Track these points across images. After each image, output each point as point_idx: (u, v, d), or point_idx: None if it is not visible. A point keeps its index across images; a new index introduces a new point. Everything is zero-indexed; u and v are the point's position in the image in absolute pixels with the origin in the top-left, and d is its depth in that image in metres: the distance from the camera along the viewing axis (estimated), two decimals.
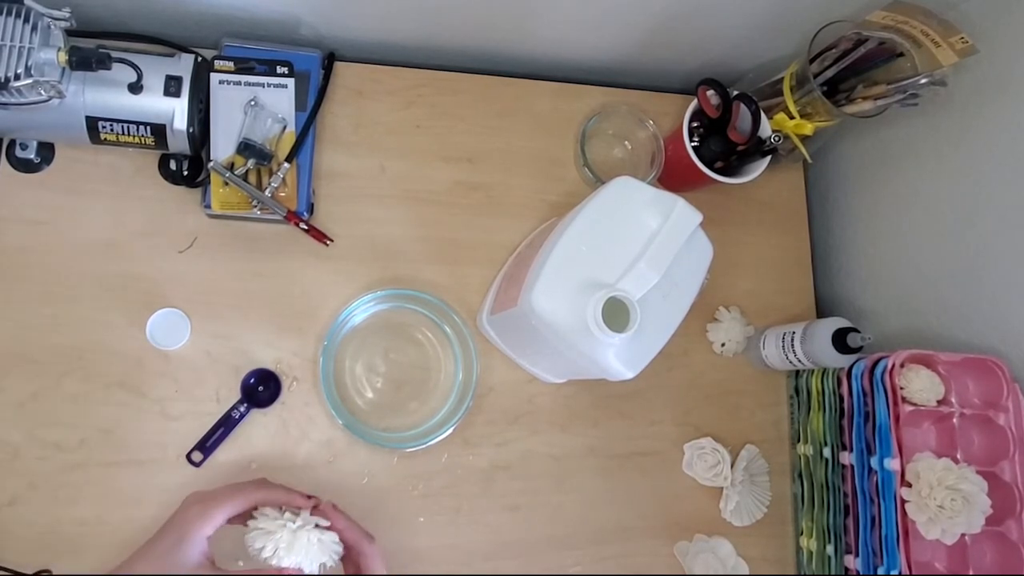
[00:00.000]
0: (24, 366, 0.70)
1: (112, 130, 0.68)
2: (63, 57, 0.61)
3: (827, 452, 0.82)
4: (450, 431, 0.76)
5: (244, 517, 0.63)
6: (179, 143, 0.70)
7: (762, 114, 0.82)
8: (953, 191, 0.82)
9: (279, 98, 0.74)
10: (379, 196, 0.82)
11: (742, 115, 0.83)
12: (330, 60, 0.82)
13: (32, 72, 0.60)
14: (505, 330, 0.78)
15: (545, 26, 0.84)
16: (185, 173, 0.76)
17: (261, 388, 0.75)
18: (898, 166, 0.90)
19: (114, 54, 0.63)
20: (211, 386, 0.74)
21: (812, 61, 0.79)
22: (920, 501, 0.68)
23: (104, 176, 0.75)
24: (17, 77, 0.60)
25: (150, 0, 0.76)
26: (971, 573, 0.71)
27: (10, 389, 0.70)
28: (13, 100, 0.61)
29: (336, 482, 0.75)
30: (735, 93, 0.82)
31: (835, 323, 0.79)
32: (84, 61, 0.61)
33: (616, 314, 0.62)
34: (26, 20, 0.60)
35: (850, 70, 0.81)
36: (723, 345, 0.89)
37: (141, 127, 0.68)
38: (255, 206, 0.72)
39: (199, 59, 0.70)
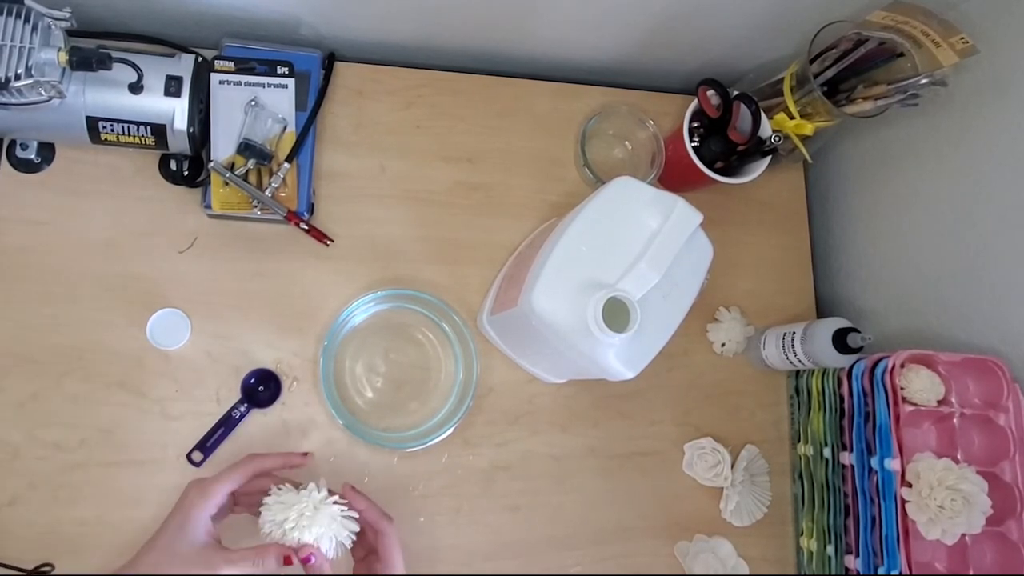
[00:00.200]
0: (24, 366, 0.70)
1: (112, 130, 0.68)
2: (63, 57, 0.61)
3: (827, 452, 0.82)
4: (450, 431, 0.76)
5: (252, 505, 0.64)
6: (179, 143, 0.70)
7: (762, 114, 0.82)
8: (953, 191, 0.82)
9: (279, 98, 0.74)
10: (379, 196, 0.82)
11: (742, 115, 0.83)
12: (330, 60, 0.82)
13: (32, 72, 0.60)
14: (505, 330, 0.78)
15: (545, 26, 0.84)
16: (185, 173, 0.76)
17: (261, 388, 0.75)
18: (898, 166, 0.90)
19: (114, 54, 0.63)
20: (211, 386, 0.74)
21: (812, 61, 0.79)
22: (920, 501, 0.68)
23: (104, 176, 0.75)
24: (18, 77, 0.60)
25: (150, 0, 0.76)
26: (971, 573, 0.71)
27: (10, 389, 0.70)
28: (13, 100, 0.61)
29: (336, 482, 0.75)
30: (735, 93, 0.82)
31: (835, 323, 0.79)
32: (84, 61, 0.61)
33: (616, 314, 0.62)
34: (26, 20, 0.60)
35: (850, 70, 0.81)
36: (723, 345, 0.89)
37: (141, 127, 0.68)
38: (255, 206, 0.72)
39: (199, 59, 0.70)
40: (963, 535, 0.69)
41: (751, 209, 0.94)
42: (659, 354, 0.67)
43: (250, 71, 0.73)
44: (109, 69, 0.63)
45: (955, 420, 0.73)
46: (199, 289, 0.75)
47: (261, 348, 0.76)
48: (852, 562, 0.76)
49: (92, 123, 0.67)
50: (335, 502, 0.62)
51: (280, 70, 0.74)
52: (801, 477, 0.86)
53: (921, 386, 0.72)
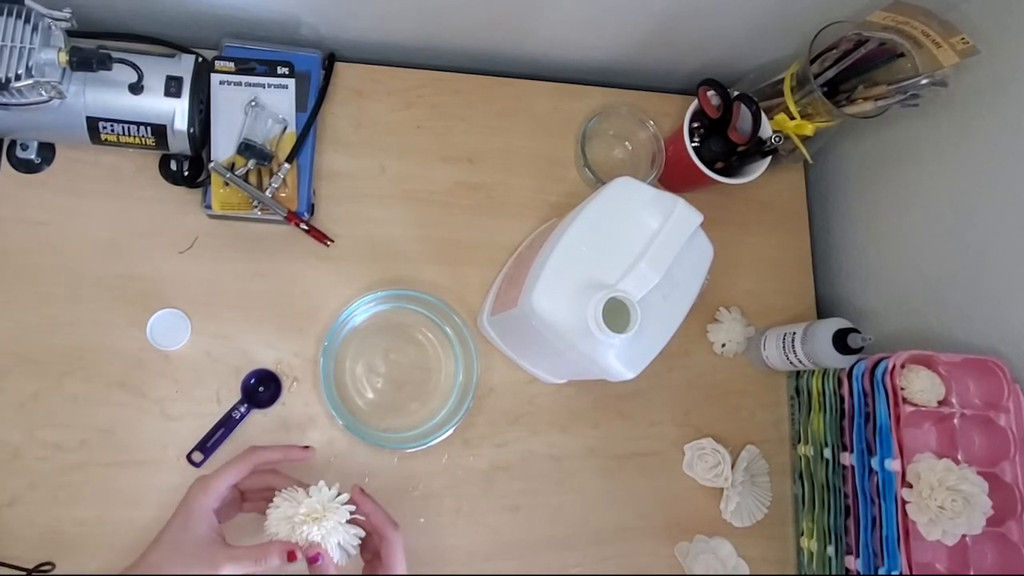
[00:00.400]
0: (24, 366, 0.70)
1: (113, 131, 0.68)
2: (64, 58, 0.61)
3: (828, 453, 0.82)
4: (450, 432, 0.76)
5: (261, 504, 0.64)
6: (180, 143, 0.70)
7: (762, 114, 0.82)
8: (953, 191, 0.81)
9: (279, 98, 0.74)
10: (379, 196, 0.82)
11: (742, 115, 0.83)
12: (330, 60, 0.82)
13: (33, 73, 0.60)
14: (505, 331, 0.78)
15: (545, 26, 0.84)
16: (186, 173, 0.76)
17: (261, 389, 0.75)
18: (898, 167, 0.90)
19: (115, 54, 0.63)
20: (211, 387, 0.74)
21: (813, 62, 0.79)
22: (921, 502, 0.68)
23: (105, 176, 0.75)
24: (18, 78, 0.60)
25: (151, 1, 0.76)
26: (972, 574, 0.71)
27: (10, 389, 0.70)
28: (14, 101, 0.61)
29: (336, 483, 0.75)
30: (735, 93, 0.82)
31: (836, 324, 0.79)
32: (85, 62, 0.61)
33: (616, 315, 0.62)
34: (27, 21, 0.60)
35: (851, 71, 0.81)
36: (723, 346, 0.89)
37: (142, 127, 0.68)
38: (256, 206, 0.72)
39: (200, 59, 0.70)
40: (963, 536, 0.69)
41: (751, 209, 0.94)
42: (659, 354, 0.67)
43: (250, 71, 0.73)
44: (109, 69, 0.63)
45: (955, 421, 0.73)
46: (199, 289, 0.75)
47: (261, 348, 0.76)
48: (852, 563, 0.76)
49: (92, 123, 0.67)
50: (343, 504, 0.62)
51: (280, 70, 0.74)
52: (801, 478, 0.86)
53: (921, 386, 0.72)
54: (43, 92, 0.62)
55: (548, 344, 0.67)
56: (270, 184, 0.72)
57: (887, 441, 0.72)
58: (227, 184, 0.71)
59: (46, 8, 0.61)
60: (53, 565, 0.67)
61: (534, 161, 0.88)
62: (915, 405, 0.72)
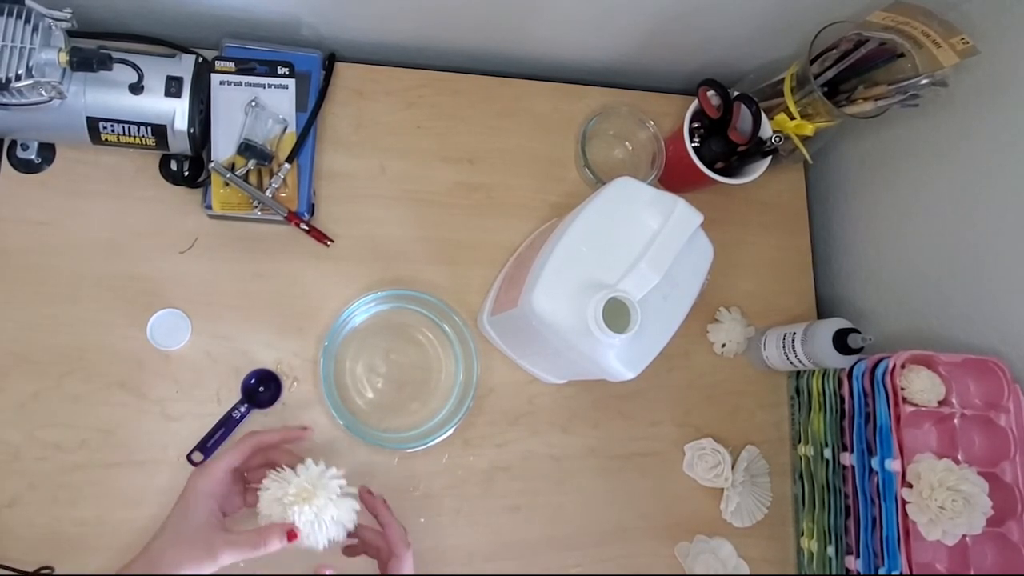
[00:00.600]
0: (25, 366, 0.70)
1: (113, 131, 0.68)
2: (64, 58, 0.61)
3: (828, 453, 0.82)
4: (451, 432, 0.76)
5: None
6: (180, 144, 0.70)
7: (763, 115, 0.82)
8: (953, 191, 0.82)
9: (280, 99, 0.74)
10: (380, 197, 0.82)
11: (743, 116, 0.83)
12: (331, 61, 0.82)
13: (33, 73, 0.60)
14: (506, 331, 0.78)
15: (545, 26, 0.84)
16: (186, 174, 0.76)
17: (262, 389, 0.75)
18: (899, 167, 0.90)
19: (115, 55, 0.63)
20: (211, 387, 0.74)
21: (813, 62, 0.79)
22: (921, 502, 0.68)
23: (105, 177, 0.75)
24: (18, 78, 0.60)
25: (151, 1, 0.76)
26: (972, 574, 0.71)
27: (11, 389, 0.70)
28: (14, 101, 0.61)
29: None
30: (736, 94, 0.82)
31: (836, 324, 0.79)
32: (85, 62, 0.61)
33: (617, 315, 0.62)
34: (27, 21, 0.60)
35: (851, 71, 0.81)
36: (724, 346, 0.89)
37: (142, 128, 0.68)
38: (256, 207, 0.72)
39: (200, 60, 0.70)
40: (964, 536, 0.69)
41: (751, 210, 0.94)
42: (659, 354, 0.67)
43: (250, 72, 0.73)
44: (110, 70, 0.63)
45: (956, 421, 0.73)
46: (199, 289, 0.75)
47: (261, 348, 0.76)
48: (853, 563, 0.76)
49: (93, 123, 0.67)
50: (333, 477, 0.61)
51: (280, 71, 0.74)
52: (802, 478, 0.86)
53: (922, 387, 0.72)
54: (43, 92, 0.62)
55: (548, 344, 0.67)
56: (270, 184, 0.72)
57: (887, 441, 0.72)
58: (227, 184, 0.71)
59: (46, 8, 0.61)
60: (52, 569, 0.67)
61: (534, 161, 0.88)
62: (915, 405, 0.72)
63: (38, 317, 0.71)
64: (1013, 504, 0.70)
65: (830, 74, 0.81)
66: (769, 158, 0.83)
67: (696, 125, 0.84)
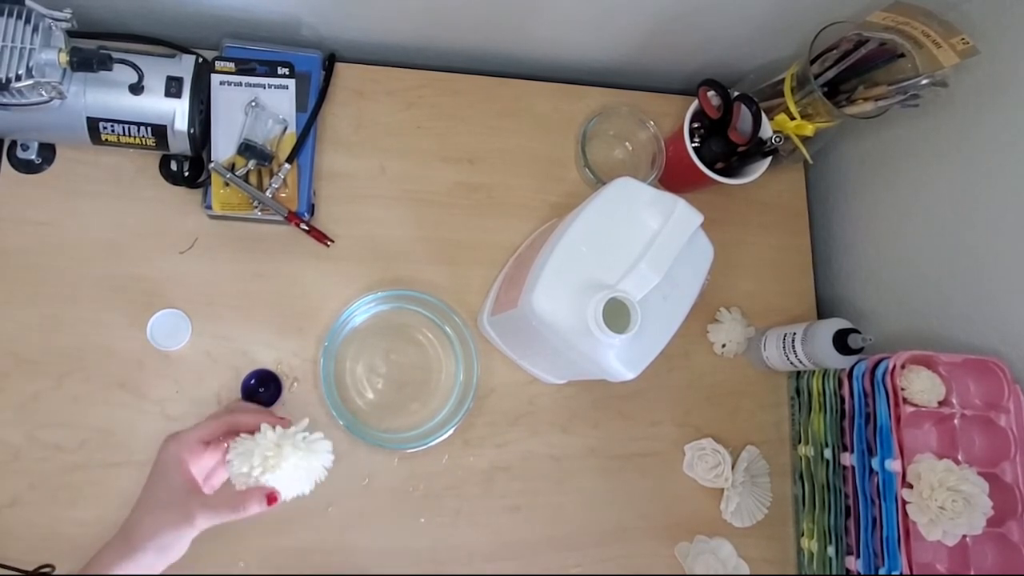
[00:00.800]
0: (25, 367, 0.70)
1: (113, 131, 0.68)
2: (64, 58, 0.61)
3: (828, 453, 0.82)
4: (451, 432, 0.76)
5: None
6: (180, 144, 0.70)
7: (763, 115, 0.82)
8: (953, 191, 0.81)
9: (280, 99, 0.74)
10: (380, 197, 0.82)
11: (743, 116, 0.83)
12: (331, 61, 0.82)
13: (33, 73, 0.60)
14: (506, 331, 0.78)
15: (545, 27, 0.84)
16: (186, 174, 0.76)
17: (262, 389, 0.75)
18: (899, 167, 0.90)
19: (115, 55, 0.63)
20: (211, 387, 0.74)
21: (813, 62, 0.79)
22: (921, 502, 0.68)
23: (105, 177, 0.75)
24: (18, 78, 0.60)
25: (151, 1, 0.76)
26: (972, 574, 0.71)
27: (11, 390, 0.70)
28: (14, 101, 0.61)
29: (337, 483, 0.75)
30: (736, 94, 0.82)
31: (836, 324, 0.79)
32: (85, 62, 0.62)
33: (617, 315, 0.62)
34: (27, 21, 0.60)
35: (851, 71, 0.81)
36: (724, 346, 0.89)
37: (142, 128, 0.68)
38: (256, 207, 0.72)
39: (200, 60, 0.70)
40: (964, 536, 0.69)
41: (752, 210, 0.94)
42: (659, 355, 0.67)
43: (251, 72, 0.73)
44: (110, 70, 0.63)
45: (956, 421, 0.73)
46: (199, 290, 0.75)
47: (261, 349, 0.76)
48: (853, 563, 0.76)
49: (93, 124, 0.67)
50: (295, 432, 0.59)
51: (281, 71, 0.74)
52: (802, 478, 0.86)
53: (922, 387, 0.72)
54: (43, 92, 0.62)
55: (548, 344, 0.67)
56: (270, 184, 0.72)
57: (887, 441, 0.72)
58: (227, 184, 0.71)
59: (46, 8, 0.61)
60: (53, 567, 0.67)
61: (534, 161, 0.88)
62: (915, 405, 0.72)
63: (38, 317, 0.71)
64: (1013, 504, 0.70)
65: (830, 74, 0.81)
66: (769, 158, 0.83)
67: (696, 125, 0.84)
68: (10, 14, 0.60)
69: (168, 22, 0.79)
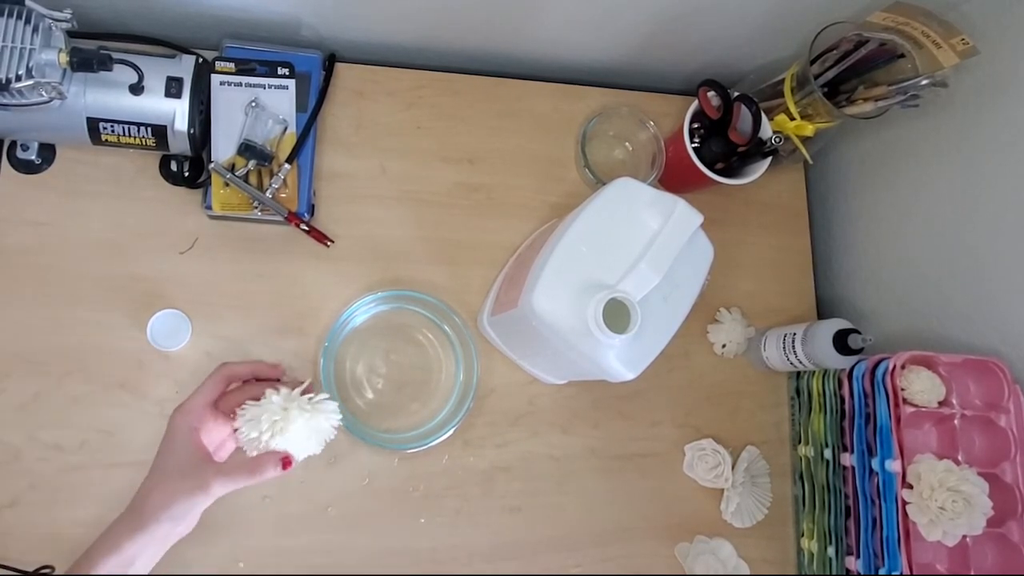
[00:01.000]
0: (25, 367, 0.70)
1: (113, 131, 0.68)
2: (64, 58, 0.61)
3: (828, 453, 0.82)
4: (451, 432, 0.76)
5: None
6: (180, 144, 0.70)
7: (763, 115, 0.82)
8: (953, 192, 0.81)
9: (280, 99, 0.74)
10: (380, 197, 0.82)
11: (743, 116, 0.83)
12: (331, 61, 0.82)
13: (33, 73, 0.60)
14: (506, 331, 0.78)
15: (546, 27, 0.84)
16: (186, 174, 0.76)
17: None
18: (899, 167, 0.90)
19: (115, 55, 0.63)
20: None
21: (813, 62, 0.79)
22: (921, 503, 0.68)
23: (105, 177, 0.75)
24: (18, 78, 0.60)
25: (151, 1, 0.76)
26: (972, 575, 0.71)
27: (11, 390, 0.70)
28: (14, 101, 0.61)
29: (337, 483, 0.75)
30: (736, 94, 0.82)
31: (836, 324, 0.79)
32: (85, 62, 0.62)
33: (617, 315, 0.62)
34: (27, 21, 0.60)
35: (851, 71, 0.81)
36: (724, 346, 0.89)
37: (142, 128, 0.68)
38: (256, 207, 0.72)
39: (200, 60, 0.70)
40: (964, 536, 0.69)
41: (752, 210, 0.94)
42: (659, 355, 0.67)
43: (251, 72, 0.73)
44: (110, 70, 0.63)
45: (956, 421, 0.73)
46: (200, 290, 0.75)
47: (261, 349, 0.76)
48: (853, 563, 0.76)
49: (93, 124, 0.67)
50: (302, 393, 0.59)
51: (281, 71, 0.74)
52: (802, 478, 0.86)
53: (922, 387, 0.72)
54: (43, 93, 0.62)
55: (548, 344, 0.67)
56: (270, 185, 0.72)
57: (887, 442, 0.72)
58: (227, 185, 0.71)
59: (46, 8, 0.61)
60: (53, 568, 0.67)
61: (534, 161, 0.88)
62: (915, 406, 0.72)
63: (38, 317, 0.71)
64: (1013, 504, 0.70)
65: (830, 75, 0.81)
66: (769, 159, 0.83)
67: (696, 126, 0.84)
68: (10, 14, 0.60)
69: (168, 22, 0.79)
